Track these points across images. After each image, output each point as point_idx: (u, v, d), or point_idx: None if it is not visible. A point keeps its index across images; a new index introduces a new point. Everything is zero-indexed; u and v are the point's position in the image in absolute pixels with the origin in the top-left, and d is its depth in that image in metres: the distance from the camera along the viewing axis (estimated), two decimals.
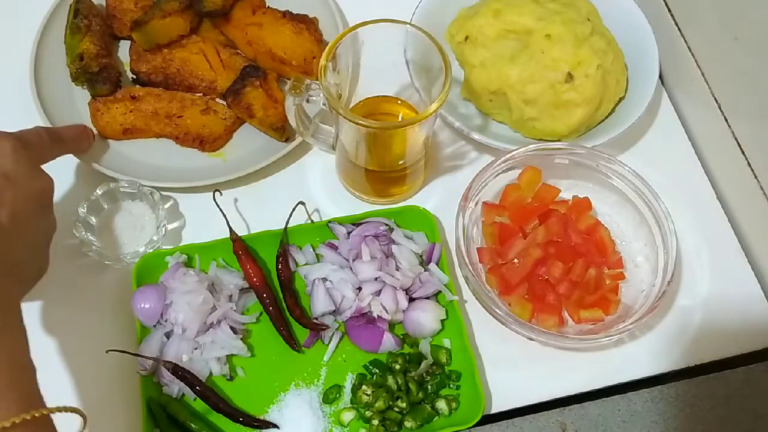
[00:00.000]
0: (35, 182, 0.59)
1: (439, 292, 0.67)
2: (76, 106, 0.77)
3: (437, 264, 0.69)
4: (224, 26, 0.79)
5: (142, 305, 0.64)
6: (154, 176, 0.73)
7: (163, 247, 0.70)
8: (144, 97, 0.76)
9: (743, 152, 0.72)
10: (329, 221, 0.70)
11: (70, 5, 0.78)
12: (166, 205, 0.73)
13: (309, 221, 0.73)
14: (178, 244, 0.72)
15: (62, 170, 0.72)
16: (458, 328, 0.65)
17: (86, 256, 0.68)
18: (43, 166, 0.62)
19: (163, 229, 0.70)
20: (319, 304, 0.66)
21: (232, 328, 0.65)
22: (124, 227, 0.71)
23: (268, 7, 0.81)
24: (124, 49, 0.81)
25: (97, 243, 0.69)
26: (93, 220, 0.70)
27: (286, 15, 0.79)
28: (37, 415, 0.46)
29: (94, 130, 0.75)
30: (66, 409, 0.50)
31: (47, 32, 0.78)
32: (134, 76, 0.78)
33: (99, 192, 0.70)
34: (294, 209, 0.70)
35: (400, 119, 0.72)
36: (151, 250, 0.68)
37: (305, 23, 0.79)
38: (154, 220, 0.70)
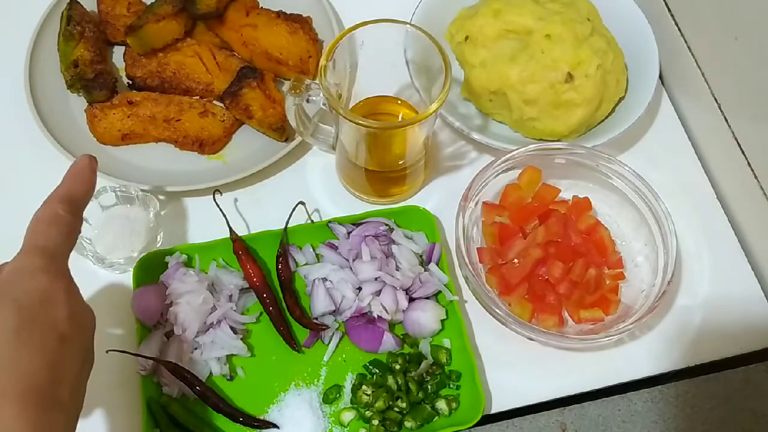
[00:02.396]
0: (87, 328, 0.52)
1: (439, 292, 0.67)
2: (73, 113, 0.77)
3: (437, 264, 0.69)
4: (219, 28, 0.79)
5: (142, 305, 0.64)
6: (155, 181, 0.72)
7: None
8: (141, 101, 0.76)
9: (743, 152, 0.72)
10: (329, 221, 0.70)
11: (63, 12, 0.78)
12: (163, 212, 0.73)
13: (309, 221, 0.73)
14: None
15: (61, 171, 0.72)
16: (458, 328, 0.65)
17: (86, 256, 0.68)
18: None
19: (159, 236, 0.70)
20: (319, 304, 0.66)
21: (232, 328, 0.65)
22: (120, 232, 0.71)
23: (262, 7, 0.81)
24: (118, 55, 0.81)
25: (92, 246, 0.68)
26: (90, 223, 0.70)
27: (280, 15, 0.79)
28: None
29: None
30: None
31: (40, 40, 0.78)
32: (130, 82, 0.78)
33: (97, 195, 0.70)
34: (294, 209, 0.70)
35: (400, 119, 0.72)
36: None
37: (300, 23, 0.79)
38: (150, 226, 0.70)
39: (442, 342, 0.66)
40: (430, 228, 0.70)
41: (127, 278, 0.68)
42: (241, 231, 0.70)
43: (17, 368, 0.44)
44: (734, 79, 0.71)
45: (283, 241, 0.69)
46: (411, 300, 0.66)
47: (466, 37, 0.75)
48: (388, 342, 0.65)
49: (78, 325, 0.49)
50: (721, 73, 0.73)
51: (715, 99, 0.74)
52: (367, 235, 0.68)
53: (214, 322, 0.65)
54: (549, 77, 0.71)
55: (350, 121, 0.59)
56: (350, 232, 0.69)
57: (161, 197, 0.73)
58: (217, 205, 0.70)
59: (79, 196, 0.54)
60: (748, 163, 0.71)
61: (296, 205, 0.70)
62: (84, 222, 0.69)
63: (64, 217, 0.52)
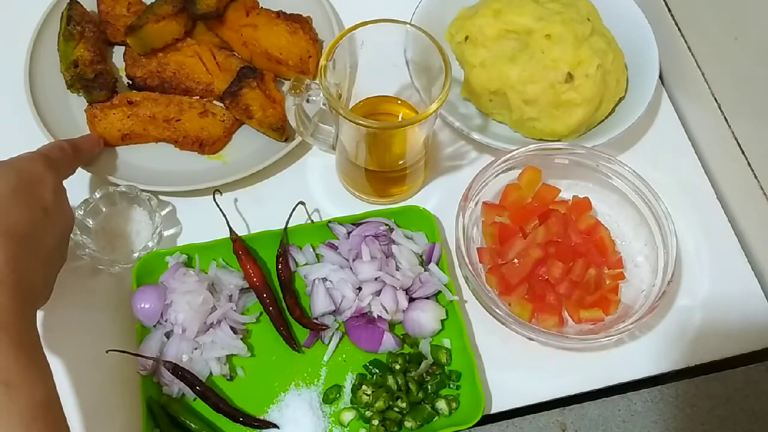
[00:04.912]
0: (66, 220, 0.62)
1: (439, 292, 0.67)
2: (73, 113, 0.77)
3: (437, 264, 0.69)
4: (218, 28, 0.79)
5: (142, 305, 0.64)
6: (155, 181, 0.72)
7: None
8: (141, 102, 0.76)
9: (743, 152, 0.72)
10: (329, 221, 0.70)
11: (63, 12, 0.78)
12: (164, 212, 0.73)
13: (309, 221, 0.73)
14: None
15: None
16: (458, 328, 0.65)
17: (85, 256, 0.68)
18: None
19: (158, 235, 0.70)
20: (319, 304, 0.66)
21: (232, 328, 0.65)
22: (121, 232, 0.71)
23: (262, 7, 0.81)
24: (118, 55, 0.81)
25: (92, 246, 0.68)
26: (90, 222, 0.70)
27: (280, 15, 0.79)
28: None
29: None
30: None
31: (40, 40, 0.78)
32: (130, 82, 0.78)
33: (97, 195, 0.70)
34: (294, 209, 0.70)
35: (400, 119, 0.72)
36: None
37: (299, 23, 0.79)
38: (150, 226, 0.70)
39: (442, 342, 0.66)
40: (430, 228, 0.70)
41: (127, 278, 0.68)
42: (241, 231, 0.70)
43: (6, 213, 0.54)
44: (734, 79, 0.71)
45: (283, 241, 0.69)
46: (411, 300, 0.66)
47: (466, 37, 0.75)
48: (388, 342, 0.65)
49: (59, 211, 0.60)
50: (721, 73, 0.73)
51: (715, 99, 0.74)
52: (367, 235, 0.68)
53: (214, 322, 0.65)
54: (549, 77, 0.71)
55: (350, 121, 0.59)
56: (350, 232, 0.69)
57: (161, 197, 0.73)
58: (217, 205, 0.70)
59: (84, 148, 0.69)
60: (748, 163, 0.71)
61: (296, 205, 0.70)
62: (84, 221, 0.69)
63: (67, 150, 0.65)
